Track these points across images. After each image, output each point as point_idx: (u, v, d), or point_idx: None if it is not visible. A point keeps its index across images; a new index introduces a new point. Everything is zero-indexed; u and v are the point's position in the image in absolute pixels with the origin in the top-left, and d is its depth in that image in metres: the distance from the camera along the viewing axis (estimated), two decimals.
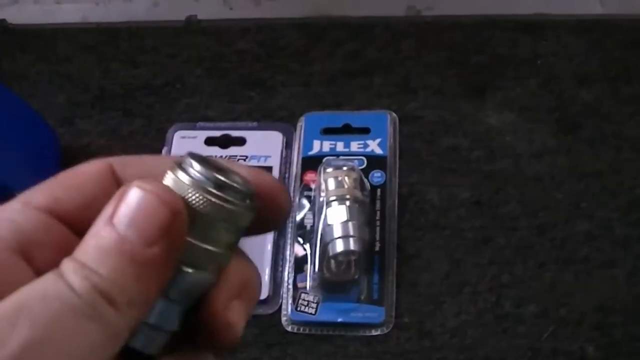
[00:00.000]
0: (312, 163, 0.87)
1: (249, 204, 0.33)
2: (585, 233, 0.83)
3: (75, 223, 0.34)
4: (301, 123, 0.92)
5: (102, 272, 0.29)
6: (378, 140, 0.89)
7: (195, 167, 0.32)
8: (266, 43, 1.01)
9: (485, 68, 0.95)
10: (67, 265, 0.30)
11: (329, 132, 0.91)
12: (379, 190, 0.86)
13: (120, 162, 0.36)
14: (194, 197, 0.32)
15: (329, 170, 0.83)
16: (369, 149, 0.89)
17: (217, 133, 0.92)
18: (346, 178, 0.82)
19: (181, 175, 0.32)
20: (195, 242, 0.32)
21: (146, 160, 0.36)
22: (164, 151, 0.91)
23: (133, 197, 0.31)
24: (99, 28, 1.06)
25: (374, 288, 0.81)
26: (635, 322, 0.78)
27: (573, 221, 0.84)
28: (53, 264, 0.31)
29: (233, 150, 0.91)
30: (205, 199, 0.32)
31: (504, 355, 0.78)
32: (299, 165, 0.88)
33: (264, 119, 0.94)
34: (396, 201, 0.86)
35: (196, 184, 0.32)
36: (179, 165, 0.33)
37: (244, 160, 0.90)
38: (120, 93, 0.99)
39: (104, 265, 0.30)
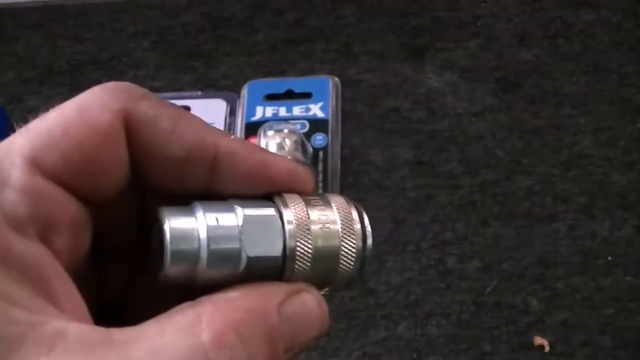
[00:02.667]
0: (255, 129, 0.88)
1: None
2: (526, 189, 0.84)
3: (78, 190, 0.30)
4: (244, 90, 0.93)
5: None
6: (320, 104, 0.90)
7: None
8: (210, 15, 1.02)
9: (425, 31, 0.96)
10: (216, 344, 0.27)
11: (271, 98, 0.91)
12: (321, 153, 0.86)
13: (140, 121, 0.31)
14: None
15: (270, 133, 0.83)
16: (311, 113, 0.89)
17: None
18: (286, 140, 0.82)
19: None
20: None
21: (168, 127, 0.31)
22: None
23: (311, 305, 0.31)
24: (46, 6, 1.06)
25: None
26: (576, 274, 0.79)
27: (514, 177, 0.85)
28: (69, 246, 0.29)
29: None
30: None
31: (448, 310, 0.78)
32: (243, 132, 0.89)
33: (209, 89, 0.95)
34: (339, 163, 0.87)
35: None
36: None
37: None
38: (68, 69, 1.00)
39: (251, 350, 0.28)
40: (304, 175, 0.34)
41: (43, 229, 0.28)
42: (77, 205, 0.30)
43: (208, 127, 0.32)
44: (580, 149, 0.86)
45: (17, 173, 0.28)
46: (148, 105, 0.31)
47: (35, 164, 0.29)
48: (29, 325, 0.25)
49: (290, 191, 0.33)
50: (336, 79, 0.92)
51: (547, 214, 0.83)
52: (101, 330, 0.27)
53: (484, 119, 0.89)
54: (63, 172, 0.29)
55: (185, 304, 0.29)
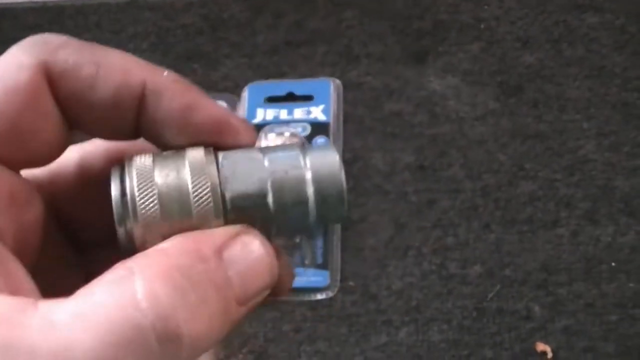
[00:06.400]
0: (256, 131, 0.87)
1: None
2: (529, 194, 0.84)
3: (11, 159, 0.29)
4: (245, 93, 0.92)
5: (195, 326, 0.25)
6: (321, 106, 0.89)
7: None
8: (210, 16, 1.01)
9: (427, 34, 0.95)
10: (151, 293, 0.25)
11: (272, 100, 0.91)
12: None
13: (61, 70, 0.29)
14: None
15: (271, 136, 0.83)
16: (312, 116, 0.88)
17: None
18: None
19: None
20: None
21: (94, 71, 0.30)
22: None
23: (255, 246, 0.28)
24: (45, 7, 1.05)
25: (318, 252, 0.81)
26: (579, 280, 0.78)
27: (517, 182, 0.84)
28: (12, 223, 0.28)
29: None
30: None
31: (450, 316, 0.78)
32: None
33: (208, 91, 0.93)
34: None
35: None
36: None
37: None
38: None
39: (199, 314, 0.26)
40: (238, 125, 0.31)
41: None
42: (15, 178, 0.29)
43: (136, 63, 0.30)
44: (583, 154, 0.85)
45: None
46: (68, 53, 0.29)
47: None
48: None
49: (219, 143, 0.31)
50: (338, 81, 0.92)
51: (549, 219, 0.82)
52: (27, 300, 0.25)
53: (486, 123, 0.88)
54: None
55: (118, 263, 0.27)
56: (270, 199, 0.30)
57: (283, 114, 0.89)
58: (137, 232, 0.28)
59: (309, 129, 0.87)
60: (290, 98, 0.90)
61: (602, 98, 0.89)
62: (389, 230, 0.83)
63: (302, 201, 0.30)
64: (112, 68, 0.30)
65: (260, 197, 0.30)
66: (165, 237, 0.28)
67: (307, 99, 0.90)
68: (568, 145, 0.86)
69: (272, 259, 0.29)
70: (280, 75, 0.94)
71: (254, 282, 0.28)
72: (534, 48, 0.93)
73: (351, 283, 0.80)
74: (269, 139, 0.82)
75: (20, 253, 0.28)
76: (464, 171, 0.85)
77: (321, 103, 0.89)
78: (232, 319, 0.27)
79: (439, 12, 0.97)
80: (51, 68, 0.29)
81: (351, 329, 0.78)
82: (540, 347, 0.75)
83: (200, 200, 0.29)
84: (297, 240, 0.80)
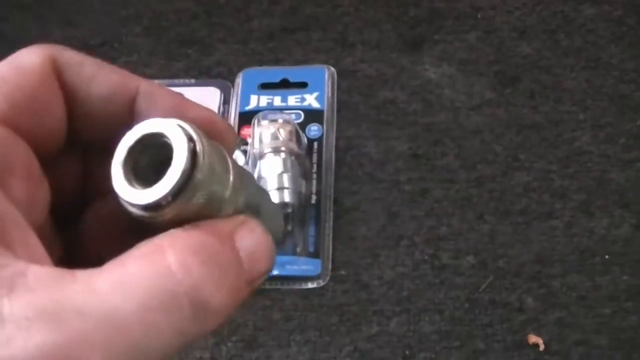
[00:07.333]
0: (249, 118, 0.86)
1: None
2: (523, 185, 0.83)
3: (27, 131, 0.31)
4: (239, 79, 0.91)
5: (219, 297, 0.28)
6: (315, 94, 0.88)
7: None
8: (204, 1, 1.00)
9: (423, 22, 0.95)
10: (184, 265, 0.28)
11: (266, 87, 0.90)
12: (315, 144, 0.85)
13: (66, 63, 0.33)
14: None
15: (264, 122, 0.82)
16: (306, 103, 0.88)
17: None
18: (281, 130, 0.81)
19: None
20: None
21: (93, 69, 0.34)
22: None
23: (259, 233, 0.31)
24: None
25: (310, 241, 0.80)
26: (573, 272, 0.78)
27: (512, 173, 0.84)
28: (26, 194, 0.29)
29: None
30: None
31: (442, 306, 0.77)
32: (236, 120, 0.87)
33: (202, 76, 0.93)
34: (333, 154, 0.85)
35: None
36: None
37: None
38: None
39: (222, 288, 0.29)
40: (224, 126, 0.36)
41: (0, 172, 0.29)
42: (29, 151, 0.31)
43: (131, 74, 0.35)
44: (579, 146, 0.85)
45: None
46: (73, 53, 0.33)
47: None
48: None
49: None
50: (332, 68, 0.91)
51: (544, 210, 0.81)
52: (64, 270, 0.27)
53: (481, 112, 0.87)
54: (10, 112, 0.31)
55: (142, 242, 0.29)
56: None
57: (277, 101, 0.88)
58: (169, 209, 0.30)
59: (302, 116, 0.86)
60: (285, 85, 0.90)
61: (598, 90, 0.88)
62: (382, 219, 0.82)
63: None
64: (111, 70, 0.34)
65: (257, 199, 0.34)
66: (186, 222, 0.30)
67: (301, 86, 0.89)
68: (564, 136, 0.86)
69: (272, 244, 0.32)
70: (275, 61, 0.93)
71: (259, 264, 0.31)
72: (531, 38, 0.92)
73: (342, 272, 0.79)
74: (263, 126, 0.81)
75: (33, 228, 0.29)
76: (458, 161, 0.85)
77: (315, 90, 0.88)
78: (241, 297, 0.30)
79: (436, 0, 0.96)
80: (58, 61, 0.33)
81: (342, 318, 0.77)
82: (533, 339, 0.75)
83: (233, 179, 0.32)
84: (290, 228, 0.79)
